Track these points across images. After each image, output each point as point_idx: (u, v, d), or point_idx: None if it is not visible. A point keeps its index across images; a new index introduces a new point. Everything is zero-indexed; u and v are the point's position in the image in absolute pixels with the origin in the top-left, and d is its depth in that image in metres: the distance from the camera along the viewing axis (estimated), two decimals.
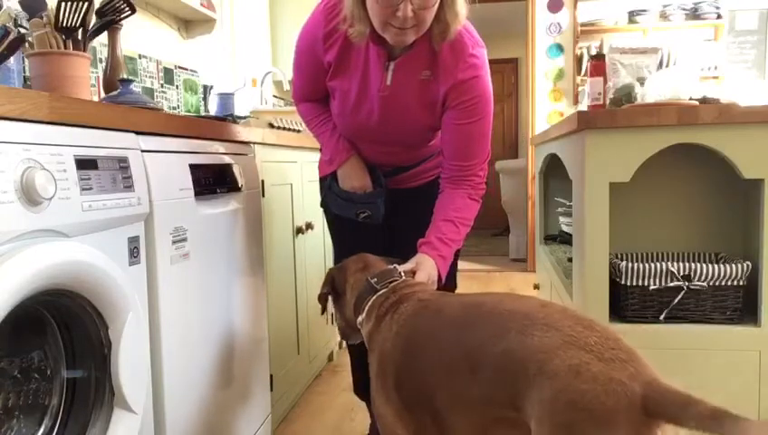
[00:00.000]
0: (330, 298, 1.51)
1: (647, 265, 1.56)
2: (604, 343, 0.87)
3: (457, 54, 1.47)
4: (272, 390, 1.97)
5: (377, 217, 1.66)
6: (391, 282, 1.33)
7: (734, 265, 1.53)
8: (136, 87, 2.32)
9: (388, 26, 1.36)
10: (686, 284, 1.54)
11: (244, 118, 2.38)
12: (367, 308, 1.32)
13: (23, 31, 1.47)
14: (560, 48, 4.91)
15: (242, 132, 1.78)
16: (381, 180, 1.67)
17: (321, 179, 1.77)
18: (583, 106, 2.59)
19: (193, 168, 1.43)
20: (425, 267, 1.43)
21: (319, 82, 1.60)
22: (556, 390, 0.84)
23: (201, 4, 2.75)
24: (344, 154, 1.65)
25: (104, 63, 1.87)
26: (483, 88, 1.50)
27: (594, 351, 0.86)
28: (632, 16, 4.75)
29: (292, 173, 2.24)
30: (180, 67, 2.80)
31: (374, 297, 1.31)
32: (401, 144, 1.65)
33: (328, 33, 1.49)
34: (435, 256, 1.46)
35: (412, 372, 1.11)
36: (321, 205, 1.81)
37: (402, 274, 1.36)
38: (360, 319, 1.34)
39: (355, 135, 1.65)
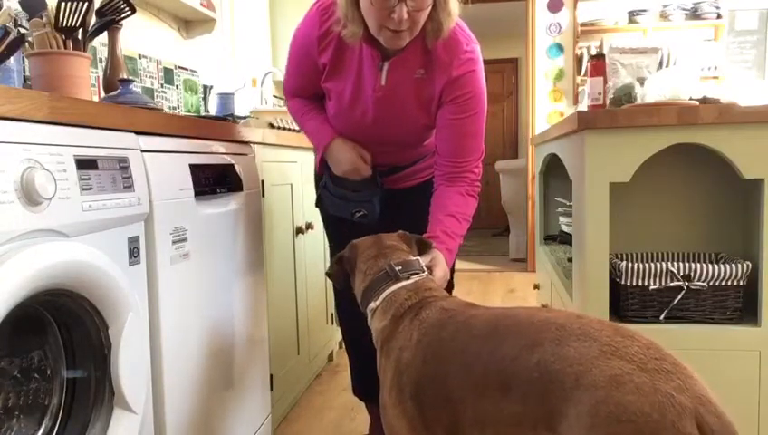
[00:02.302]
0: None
1: (647, 265, 1.55)
2: (647, 352, 0.81)
3: (452, 51, 1.47)
4: (272, 390, 1.97)
5: (372, 216, 1.65)
6: (414, 274, 1.25)
7: (734, 265, 1.53)
8: (136, 87, 2.32)
9: (383, 29, 1.37)
10: (686, 284, 1.54)
11: (244, 118, 2.38)
12: (383, 296, 1.23)
13: (23, 31, 1.47)
14: (560, 48, 4.91)
15: (242, 132, 1.78)
16: (378, 180, 1.67)
17: (318, 178, 1.77)
18: (583, 106, 2.58)
19: (193, 168, 1.43)
20: (440, 263, 1.39)
21: (312, 82, 1.60)
22: (595, 402, 0.77)
23: (201, 4, 2.75)
24: (328, 137, 1.63)
25: (104, 63, 1.87)
26: (477, 83, 1.50)
27: (636, 361, 0.79)
28: (632, 16, 4.75)
29: (292, 173, 2.24)
30: (180, 67, 2.80)
31: (396, 287, 1.23)
32: (396, 143, 1.65)
33: (323, 34, 1.50)
34: (443, 250, 1.44)
35: (434, 386, 1.04)
36: (316, 204, 1.81)
37: (424, 268, 1.30)
38: (372, 305, 1.25)
39: (351, 135, 1.64)
